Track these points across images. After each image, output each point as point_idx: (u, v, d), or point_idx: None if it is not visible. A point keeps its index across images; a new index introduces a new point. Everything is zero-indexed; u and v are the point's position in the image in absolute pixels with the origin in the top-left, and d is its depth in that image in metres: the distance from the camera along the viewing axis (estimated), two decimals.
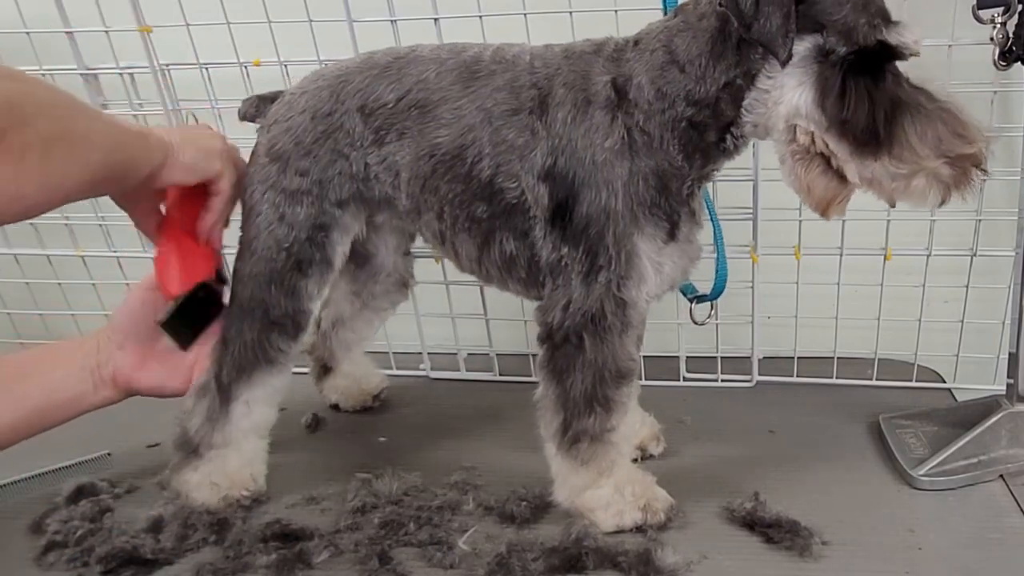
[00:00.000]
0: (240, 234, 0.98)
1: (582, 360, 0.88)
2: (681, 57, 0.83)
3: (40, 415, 0.95)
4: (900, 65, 0.80)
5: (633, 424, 1.01)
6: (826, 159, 0.81)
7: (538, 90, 0.87)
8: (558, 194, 0.87)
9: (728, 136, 0.85)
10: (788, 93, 0.80)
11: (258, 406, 0.99)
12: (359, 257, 1.13)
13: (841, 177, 0.81)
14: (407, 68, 0.93)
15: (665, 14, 0.94)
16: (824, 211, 0.84)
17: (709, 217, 1.02)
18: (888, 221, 1.14)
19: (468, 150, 0.89)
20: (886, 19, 0.78)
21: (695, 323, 1.09)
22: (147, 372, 0.99)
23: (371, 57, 0.96)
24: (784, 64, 0.78)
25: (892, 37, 0.77)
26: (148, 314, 0.98)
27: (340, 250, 0.98)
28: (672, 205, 0.87)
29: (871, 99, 0.77)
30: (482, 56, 0.91)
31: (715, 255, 1.05)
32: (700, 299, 1.06)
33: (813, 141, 0.80)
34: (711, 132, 0.85)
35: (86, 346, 0.99)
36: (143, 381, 0.99)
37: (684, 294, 1.06)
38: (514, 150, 0.88)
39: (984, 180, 0.79)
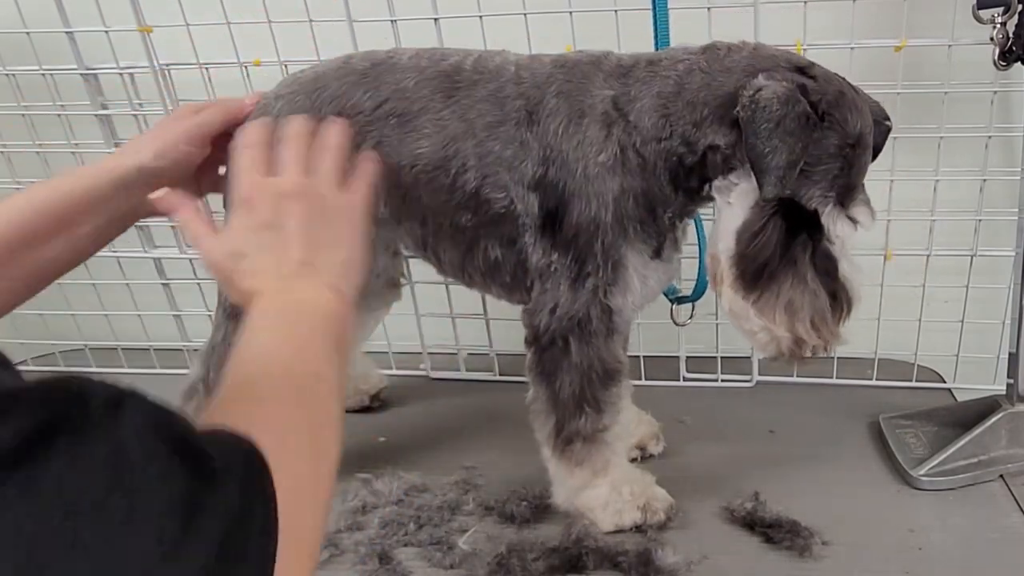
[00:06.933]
0: None
1: (568, 363, 0.89)
2: (689, 96, 0.82)
3: (71, 264, 0.86)
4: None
5: (628, 424, 1.01)
6: None
7: (525, 100, 0.87)
8: (548, 203, 0.87)
9: (707, 187, 0.86)
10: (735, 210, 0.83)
11: None
12: None
13: None
14: (385, 76, 0.92)
15: (657, 50, 0.94)
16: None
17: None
18: (888, 221, 1.14)
19: (451, 161, 0.89)
20: (843, 198, 0.79)
21: (676, 324, 1.09)
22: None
23: (348, 62, 0.95)
24: (764, 199, 0.78)
25: (825, 218, 0.79)
26: (194, 164, 0.89)
27: None
28: (658, 226, 0.88)
29: (774, 249, 0.80)
30: (463, 65, 0.90)
31: (697, 256, 1.05)
32: (681, 300, 1.07)
33: None
34: (694, 178, 0.85)
35: (111, 191, 0.85)
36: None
37: (666, 295, 1.06)
38: (501, 162, 0.87)
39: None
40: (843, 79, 0.80)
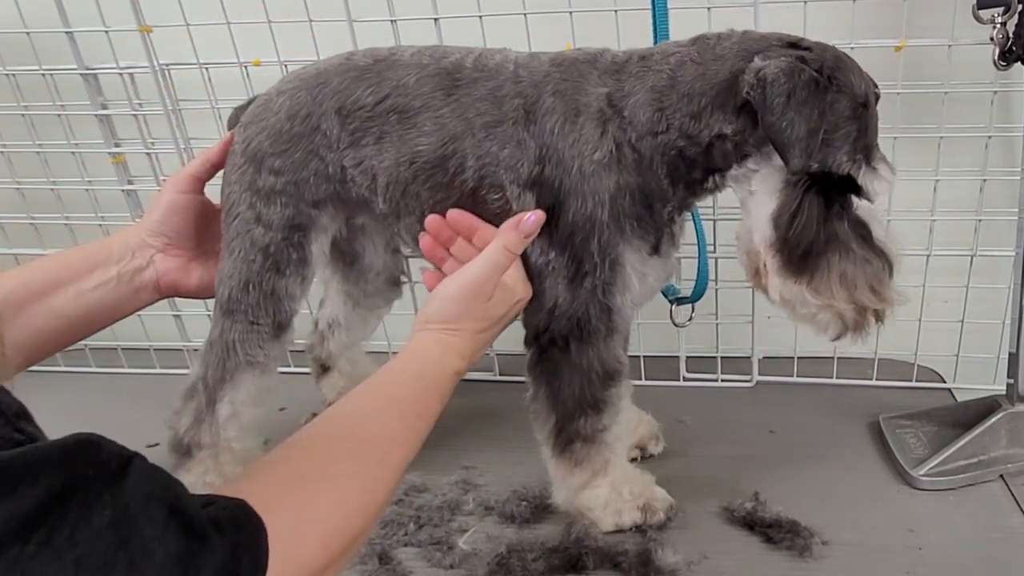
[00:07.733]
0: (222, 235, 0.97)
1: (568, 363, 0.89)
2: (684, 88, 0.82)
3: (79, 327, 0.92)
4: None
5: (628, 424, 1.01)
6: None
7: (523, 99, 0.86)
8: (544, 201, 0.86)
9: (711, 178, 0.86)
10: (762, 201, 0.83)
11: (244, 407, 0.98)
12: (347, 256, 1.12)
13: None
14: (386, 72, 0.92)
15: (656, 44, 0.94)
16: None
17: (691, 217, 1.02)
18: (888, 221, 1.13)
19: (450, 160, 0.89)
20: (868, 157, 0.79)
21: (675, 325, 1.09)
22: (193, 275, 0.98)
23: (350, 59, 0.95)
24: (793, 173, 0.78)
25: (862, 179, 0.79)
26: (193, 217, 0.96)
27: (318, 250, 0.97)
28: (656, 222, 0.88)
29: (816, 226, 0.80)
30: (463, 63, 0.90)
31: (697, 256, 1.05)
32: (681, 301, 1.07)
33: None
34: (697, 170, 0.85)
35: (120, 252, 0.95)
36: (191, 283, 0.98)
37: (665, 295, 1.06)
38: (499, 162, 0.87)
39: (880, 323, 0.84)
40: (834, 47, 0.80)
